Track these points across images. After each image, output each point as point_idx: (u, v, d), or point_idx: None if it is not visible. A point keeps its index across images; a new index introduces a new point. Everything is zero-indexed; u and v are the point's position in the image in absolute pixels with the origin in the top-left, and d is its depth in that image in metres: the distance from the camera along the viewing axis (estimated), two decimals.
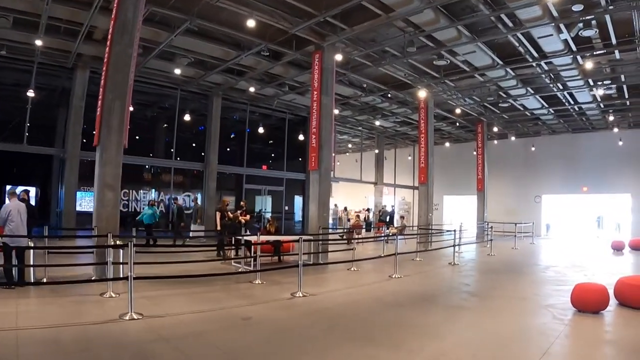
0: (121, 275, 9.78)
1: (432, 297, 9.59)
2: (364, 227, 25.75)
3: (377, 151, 34.23)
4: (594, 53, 16.16)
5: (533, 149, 31.66)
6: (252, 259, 12.02)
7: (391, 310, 8.34)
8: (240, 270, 12.15)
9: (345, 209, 30.54)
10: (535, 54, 16.68)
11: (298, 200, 27.95)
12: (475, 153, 28.76)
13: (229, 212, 15.70)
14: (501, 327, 7.25)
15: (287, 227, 26.56)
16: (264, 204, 26.40)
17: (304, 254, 14.49)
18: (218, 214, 15.63)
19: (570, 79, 19.35)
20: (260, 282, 10.62)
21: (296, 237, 13.20)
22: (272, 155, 27.95)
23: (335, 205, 33.24)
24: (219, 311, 7.86)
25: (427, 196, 21.29)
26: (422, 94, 19.53)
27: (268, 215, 26.17)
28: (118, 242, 9.76)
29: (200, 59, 18.30)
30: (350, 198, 38.35)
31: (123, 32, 10.97)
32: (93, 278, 9.80)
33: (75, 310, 7.51)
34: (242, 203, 17.38)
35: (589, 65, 15.61)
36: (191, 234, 19.19)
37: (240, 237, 13.61)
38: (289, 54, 17.20)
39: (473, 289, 10.66)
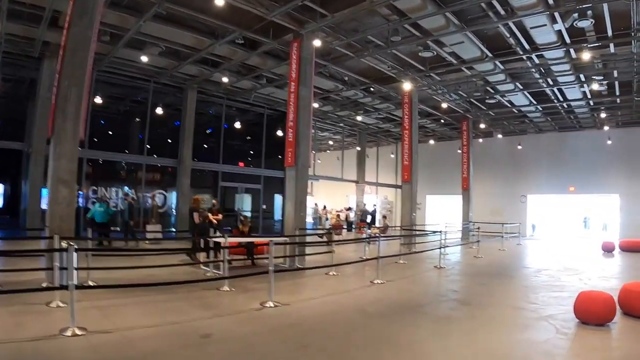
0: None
1: (418, 306, 8.59)
2: (345, 227, 24.82)
3: (359, 148, 33.27)
4: (588, 46, 15.28)
5: (519, 147, 30.98)
6: (221, 263, 11.05)
7: (372, 323, 7.34)
8: (208, 275, 11.13)
9: (325, 207, 29.56)
10: (527, 46, 15.84)
11: (278, 198, 26.97)
12: (460, 151, 27.98)
13: (202, 211, 14.60)
14: (499, 344, 6.32)
15: (267, 227, 25.58)
16: (242, 203, 25.31)
17: (278, 257, 13.65)
18: (196, 214, 14.51)
19: (561, 73, 18.55)
20: (228, 289, 9.56)
21: (267, 239, 12.25)
22: (250, 151, 26.94)
23: (316, 204, 32.32)
24: (175, 325, 6.80)
25: (410, 195, 20.35)
26: (406, 86, 18.57)
27: (247, 214, 25.27)
28: (71, 244, 8.70)
29: (172, 47, 17.17)
30: (331, 197, 37.49)
31: (82, 13, 9.95)
32: (45, 285, 8.68)
33: (13, 324, 6.49)
34: (213, 201, 16.34)
35: (586, 55, 14.73)
36: (147, 235, 17.88)
37: (209, 239, 12.62)
38: (266, 42, 16.16)
39: (462, 296, 9.68)
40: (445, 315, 7.96)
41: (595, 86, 18.09)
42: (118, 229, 17.98)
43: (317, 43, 14.66)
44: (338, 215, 22.33)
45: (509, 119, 28.11)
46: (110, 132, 21.72)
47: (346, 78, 20.64)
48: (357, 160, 33.21)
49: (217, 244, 12.28)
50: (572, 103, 23.13)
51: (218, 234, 13.80)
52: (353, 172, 33.03)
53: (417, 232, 19.70)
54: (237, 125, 24.85)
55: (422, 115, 26.54)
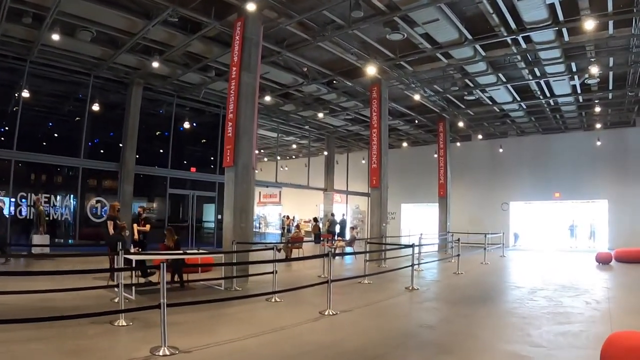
0: None
1: (376, 357, 5.92)
2: (311, 239, 22.23)
3: (326, 153, 30.74)
4: (585, 21, 12.90)
5: (501, 150, 28.88)
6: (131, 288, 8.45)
7: None
8: (116, 301, 8.37)
9: (288, 217, 27.02)
10: (513, 26, 13.49)
11: None
12: (436, 155, 25.62)
13: (118, 221, 11.95)
14: None
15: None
16: (194, 212, 22.60)
17: (213, 279, 11.08)
18: (110, 224, 11.89)
19: (549, 62, 16.32)
20: (124, 324, 7.03)
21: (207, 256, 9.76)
22: (203, 155, 24.31)
23: (280, 214, 29.92)
24: None
25: (380, 202, 17.78)
26: (371, 70, 15.79)
27: (209, 225, 22.79)
28: None
29: (104, 32, 14.85)
30: (301, 207, 35.18)
31: None
32: None
33: None
34: (139, 209, 13.63)
35: (588, 24, 12.19)
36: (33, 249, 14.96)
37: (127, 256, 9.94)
38: (206, 23, 13.87)
39: (440, 337, 6.95)
40: None
41: (594, 70, 15.69)
42: None
43: (251, 7, 11.75)
44: (298, 226, 19.51)
45: (489, 119, 25.96)
46: (44, 132, 19.23)
47: (305, 69, 18.13)
48: (325, 166, 30.69)
49: (140, 262, 9.91)
50: (560, 99, 21.05)
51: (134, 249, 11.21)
52: (321, 180, 30.53)
53: (387, 246, 17.01)
54: (190, 126, 22.51)
55: (394, 116, 24.35)
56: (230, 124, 12.04)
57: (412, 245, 12.28)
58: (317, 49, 15.73)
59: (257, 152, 30.47)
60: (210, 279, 11.29)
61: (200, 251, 12.35)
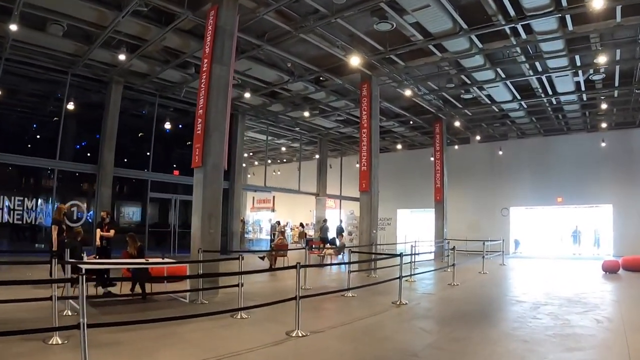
0: None
1: None
2: (299, 246, 21.06)
3: (318, 156, 29.61)
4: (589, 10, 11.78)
5: (500, 153, 27.83)
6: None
7: None
8: (67, 314, 7.18)
9: (279, 223, 25.91)
10: (512, 13, 12.37)
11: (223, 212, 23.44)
12: (432, 158, 24.45)
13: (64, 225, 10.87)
14: None
15: None
16: (177, 217, 21.52)
17: (180, 291, 9.95)
18: (55, 228, 10.82)
19: (552, 55, 15.21)
20: (58, 342, 6.02)
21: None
22: (187, 159, 23.24)
23: (270, 219, 28.85)
24: None
25: (370, 208, 16.60)
26: (355, 60, 14.55)
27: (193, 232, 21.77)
28: None
29: (75, 25, 13.91)
30: (294, 212, 34.31)
31: None
32: None
33: None
34: (102, 214, 12.51)
35: (597, 3, 10.92)
36: None
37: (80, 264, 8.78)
38: (180, 14, 12.87)
39: None
40: None
41: (601, 59, 14.60)
42: None
43: None
44: (282, 232, 18.33)
45: (488, 120, 24.86)
46: (19, 132, 18.38)
47: (289, 64, 17.02)
48: (317, 170, 29.58)
49: (100, 271, 9.20)
50: (562, 98, 19.95)
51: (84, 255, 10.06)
52: (314, 184, 29.49)
53: (375, 255, 15.83)
54: (173, 127, 21.71)
55: (388, 117, 23.32)
56: (199, 120, 11.01)
57: (401, 255, 11.02)
58: (302, 43, 14.72)
59: (246, 155, 29.91)
60: (176, 291, 10.13)
61: (166, 260, 11.12)
